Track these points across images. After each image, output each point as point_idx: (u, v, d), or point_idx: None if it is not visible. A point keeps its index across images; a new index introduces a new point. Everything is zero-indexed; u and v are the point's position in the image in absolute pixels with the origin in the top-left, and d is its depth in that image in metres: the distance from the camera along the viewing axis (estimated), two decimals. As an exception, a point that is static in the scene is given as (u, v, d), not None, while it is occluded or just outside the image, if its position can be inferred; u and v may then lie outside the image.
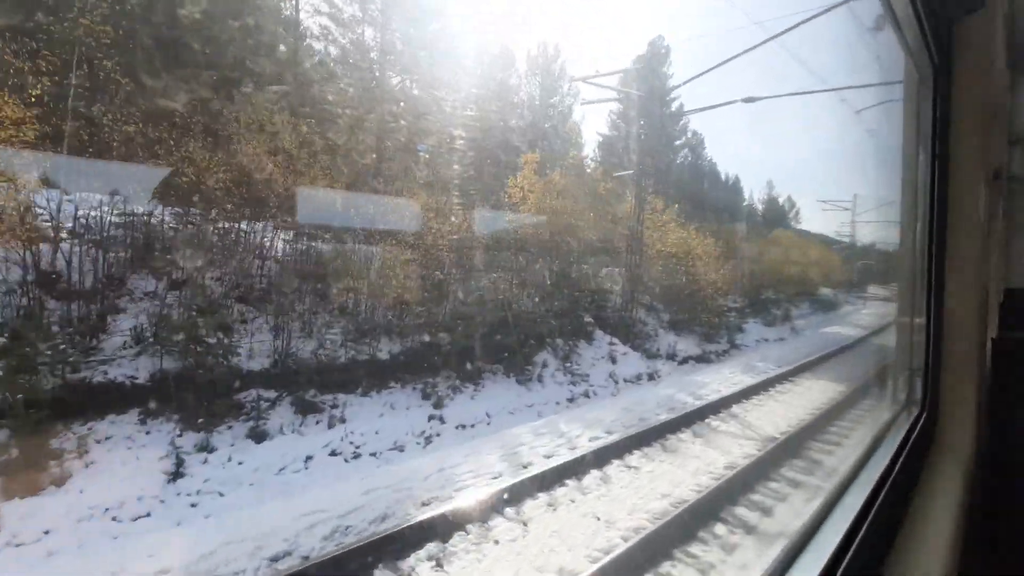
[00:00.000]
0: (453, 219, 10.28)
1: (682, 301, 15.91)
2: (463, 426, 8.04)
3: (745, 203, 45.92)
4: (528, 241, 12.48)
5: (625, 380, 11.63)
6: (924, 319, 1.89)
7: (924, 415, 1.81)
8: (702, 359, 14.42)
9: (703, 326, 16.47)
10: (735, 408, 8.80)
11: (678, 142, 33.62)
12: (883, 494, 1.28)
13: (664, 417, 7.92)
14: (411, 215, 9.74)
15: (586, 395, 10.42)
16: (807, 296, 28.45)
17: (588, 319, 12.61)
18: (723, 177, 41.80)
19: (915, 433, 1.66)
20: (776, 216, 48.04)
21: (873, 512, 1.18)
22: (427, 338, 9.47)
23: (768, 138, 74.43)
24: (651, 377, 12.18)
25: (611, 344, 12.48)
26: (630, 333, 13.49)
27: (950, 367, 1.85)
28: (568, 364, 11.04)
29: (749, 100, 12.40)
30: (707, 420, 8.07)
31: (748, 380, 10.98)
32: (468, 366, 9.52)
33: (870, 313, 30.01)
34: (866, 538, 1.10)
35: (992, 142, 1.94)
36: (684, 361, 13.84)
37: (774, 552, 1.08)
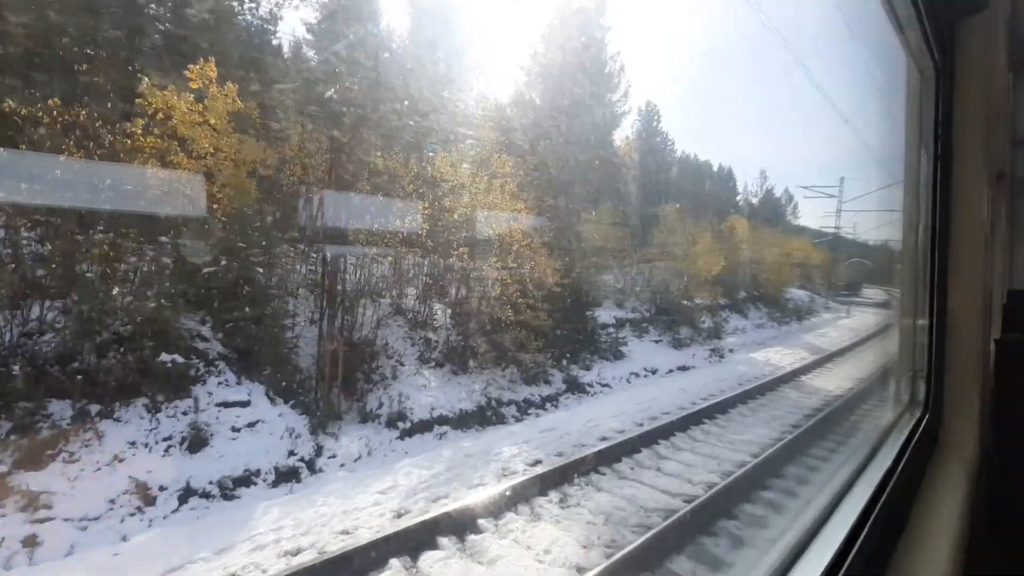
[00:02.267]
0: None
1: (479, 313, 9.58)
2: None
3: (739, 197, 39.21)
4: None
5: (180, 503, 5.47)
6: (926, 320, 1.89)
7: (927, 416, 1.81)
8: (470, 422, 8.15)
9: (534, 352, 10.25)
10: None
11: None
12: (886, 495, 1.28)
13: None
14: None
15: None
16: (766, 302, 21.98)
17: (179, 357, 6.37)
18: (680, 156, 34.52)
19: (918, 434, 1.66)
20: (761, 209, 41.24)
21: (876, 513, 1.19)
22: None
23: (758, 130, 67.40)
24: (286, 479, 6.08)
25: (220, 407, 6.28)
26: (324, 374, 7.29)
27: (953, 368, 1.85)
28: None
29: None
30: None
31: (408, 516, 4.83)
32: None
33: (850, 325, 23.18)
34: (869, 539, 1.10)
35: (994, 143, 1.95)
36: (417, 431, 7.55)
37: (776, 553, 1.05)
